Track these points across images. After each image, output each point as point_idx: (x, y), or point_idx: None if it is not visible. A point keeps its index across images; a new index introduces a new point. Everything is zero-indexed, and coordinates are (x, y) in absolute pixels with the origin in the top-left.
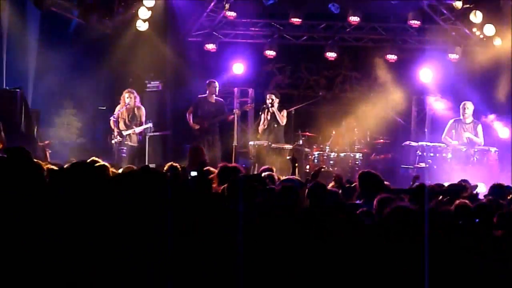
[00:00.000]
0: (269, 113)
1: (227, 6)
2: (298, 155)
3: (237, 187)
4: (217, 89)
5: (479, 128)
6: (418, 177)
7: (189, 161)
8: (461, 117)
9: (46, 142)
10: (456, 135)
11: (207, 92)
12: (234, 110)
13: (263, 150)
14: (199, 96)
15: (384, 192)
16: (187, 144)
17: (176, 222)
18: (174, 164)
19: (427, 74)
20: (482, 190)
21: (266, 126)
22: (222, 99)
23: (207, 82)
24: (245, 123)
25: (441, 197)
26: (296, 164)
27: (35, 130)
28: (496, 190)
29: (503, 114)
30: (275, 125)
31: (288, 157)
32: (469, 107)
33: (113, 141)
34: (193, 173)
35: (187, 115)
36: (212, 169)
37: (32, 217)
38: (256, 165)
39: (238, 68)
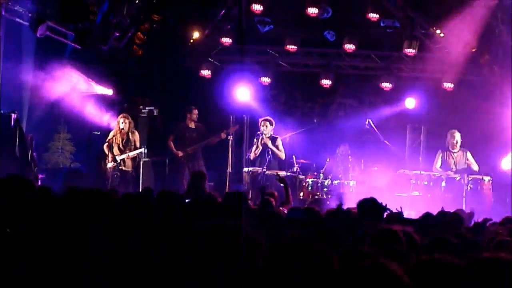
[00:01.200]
0: (263, 140)
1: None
2: (290, 181)
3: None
4: (197, 115)
5: (469, 155)
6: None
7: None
8: (449, 146)
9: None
10: (444, 165)
11: (187, 118)
12: (221, 133)
13: (257, 177)
14: (178, 123)
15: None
16: (175, 172)
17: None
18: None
19: (410, 102)
20: None
21: (259, 153)
22: (201, 124)
23: (187, 107)
24: (239, 149)
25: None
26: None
27: (30, 154)
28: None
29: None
30: (270, 152)
31: (276, 179)
32: (457, 135)
33: (107, 166)
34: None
35: (169, 143)
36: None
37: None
38: (250, 191)
39: (244, 93)
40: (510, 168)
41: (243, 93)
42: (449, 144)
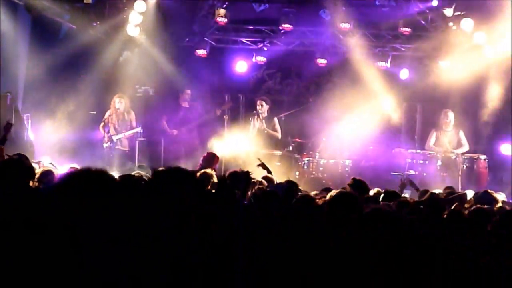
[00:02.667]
0: (259, 119)
1: (221, 12)
2: (286, 161)
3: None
4: (189, 95)
5: (461, 134)
6: (405, 185)
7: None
8: (443, 125)
9: None
10: (437, 143)
11: (180, 98)
12: (216, 110)
13: (253, 156)
14: (172, 104)
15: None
16: (172, 151)
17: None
18: None
19: (404, 73)
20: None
21: (256, 132)
22: (195, 103)
23: (180, 89)
24: (235, 128)
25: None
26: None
27: (26, 135)
28: (483, 198)
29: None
30: (265, 131)
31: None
32: (450, 115)
33: (104, 146)
34: None
35: (162, 123)
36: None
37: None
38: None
39: (241, 66)
40: (511, 154)
41: (241, 66)
42: (442, 123)
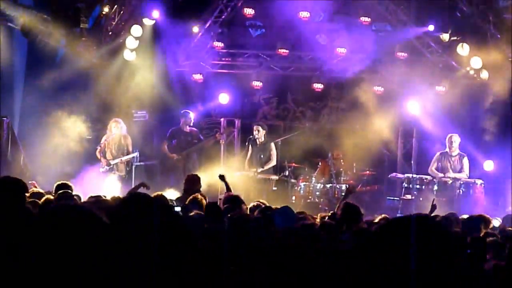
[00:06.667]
0: (255, 145)
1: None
2: (282, 185)
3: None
4: (192, 119)
5: (465, 160)
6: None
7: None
8: (447, 149)
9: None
10: (441, 167)
11: (181, 122)
12: (216, 135)
13: (249, 181)
14: (173, 128)
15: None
16: (169, 175)
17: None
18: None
19: (414, 105)
20: None
21: (253, 157)
22: (196, 129)
23: (182, 112)
24: (231, 153)
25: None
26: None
27: (22, 158)
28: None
29: (487, 146)
30: (262, 156)
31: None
32: (456, 139)
33: (100, 170)
34: (177, 209)
35: (163, 147)
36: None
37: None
38: (242, 195)
39: (224, 98)
40: (492, 169)
41: (223, 98)
42: (448, 147)
